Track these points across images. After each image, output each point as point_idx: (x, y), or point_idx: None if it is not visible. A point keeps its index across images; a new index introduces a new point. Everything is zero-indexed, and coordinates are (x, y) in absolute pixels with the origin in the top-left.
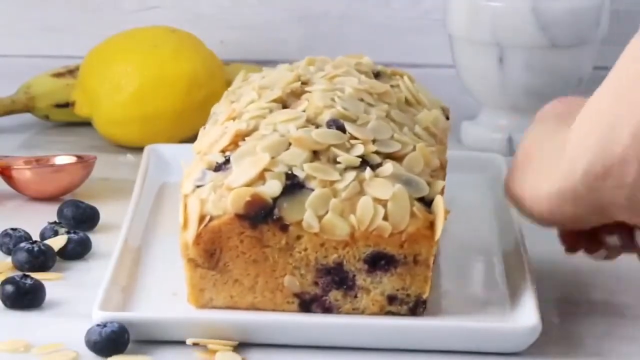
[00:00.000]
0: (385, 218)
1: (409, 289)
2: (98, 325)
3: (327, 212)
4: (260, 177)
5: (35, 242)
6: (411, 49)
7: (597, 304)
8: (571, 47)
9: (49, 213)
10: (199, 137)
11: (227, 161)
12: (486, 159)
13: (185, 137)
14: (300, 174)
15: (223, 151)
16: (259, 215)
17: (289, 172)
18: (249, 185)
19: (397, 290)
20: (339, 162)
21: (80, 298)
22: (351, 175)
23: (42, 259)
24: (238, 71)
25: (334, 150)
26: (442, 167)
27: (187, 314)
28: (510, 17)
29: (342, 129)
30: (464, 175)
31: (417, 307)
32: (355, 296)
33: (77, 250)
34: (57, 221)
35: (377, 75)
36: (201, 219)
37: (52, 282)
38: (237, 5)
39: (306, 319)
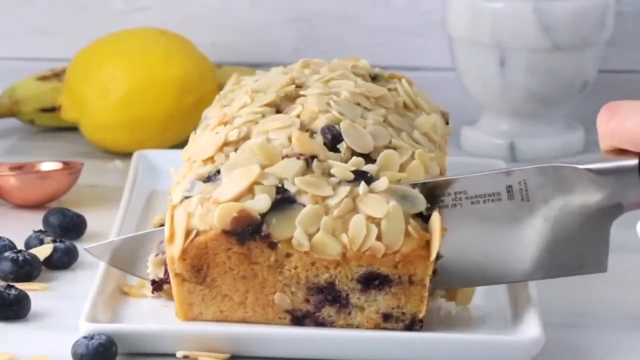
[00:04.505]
0: (378, 238)
1: (404, 308)
2: (85, 337)
3: (318, 230)
4: (250, 191)
5: (20, 251)
6: (409, 51)
7: (602, 314)
8: (575, 50)
9: (34, 221)
10: (189, 143)
11: (218, 172)
12: (487, 165)
13: (176, 142)
14: (291, 188)
15: (212, 159)
16: (246, 231)
17: (280, 185)
18: (237, 199)
19: (392, 308)
20: (333, 175)
21: (66, 309)
22: (344, 190)
23: (27, 269)
24: (230, 74)
25: (330, 161)
26: (442, 174)
27: (177, 325)
28: (511, 18)
29: (338, 136)
30: None
31: (414, 325)
32: (349, 313)
33: (64, 260)
34: (43, 229)
35: (374, 78)
36: (187, 233)
37: (37, 293)
38: (229, 6)
39: (299, 332)
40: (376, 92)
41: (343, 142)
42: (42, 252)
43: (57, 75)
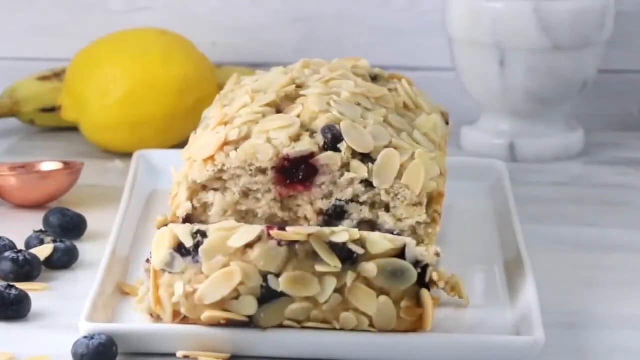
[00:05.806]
0: (371, 324)
1: None
2: (85, 337)
3: (308, 318)
4: (234, 290)
5: (20, 251)
6: (409, 51)
7: (602, 314)
8: (575, 50)
9: (34, 221)
10: (189, 143)
11: (197, 247)
12: (487, 165)
13: (176, 142)
14: (276, 287)
15: (212, 158)
16: (235, 327)
17: (263, 284)
18: (222, 304)
19: None
20: (317, 255)
21: (66, 309)
22: (332, 282)
23: (28, 269)
24: (230, 74)
25: (312, 243)
26: (442, 174)
27: (177, 326)
28: (511, 19)
29: (338, 136)
30: (464, 182)
31: None
32: None
33: (64, 260)
34: (43, 229)
35: (374, 78)
36: (175, 314)
37: (37, 293)
38: (229, 6)
39: (300, 332)
40: (376, 92)
41: (343, 142)
42: (42, 252)
43: (57, 75)
